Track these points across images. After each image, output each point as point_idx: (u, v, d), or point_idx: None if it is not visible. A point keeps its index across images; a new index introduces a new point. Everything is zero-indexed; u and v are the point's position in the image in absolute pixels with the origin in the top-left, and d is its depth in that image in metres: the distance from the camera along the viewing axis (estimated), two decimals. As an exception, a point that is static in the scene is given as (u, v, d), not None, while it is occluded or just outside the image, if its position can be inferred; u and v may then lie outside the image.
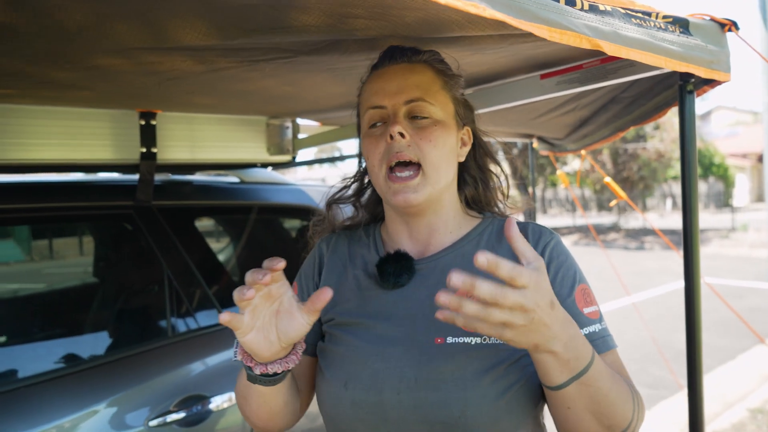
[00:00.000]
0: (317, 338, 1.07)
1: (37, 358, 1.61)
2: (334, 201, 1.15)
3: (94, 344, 1.77)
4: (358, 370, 0.93)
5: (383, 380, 0.90)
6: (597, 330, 0.92)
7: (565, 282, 0.94)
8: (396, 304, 0.97)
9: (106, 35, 0.83)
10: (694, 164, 1.19)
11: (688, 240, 1.22)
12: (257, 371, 0.86)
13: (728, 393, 4.51)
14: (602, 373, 0.80)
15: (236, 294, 0.77)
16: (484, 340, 0.89)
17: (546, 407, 0.93)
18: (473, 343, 0.89)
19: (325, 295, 0.81)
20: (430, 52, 1.00)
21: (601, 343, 0.91)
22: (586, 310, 0.93)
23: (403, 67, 0.97)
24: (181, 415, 1.63)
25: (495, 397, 0.85)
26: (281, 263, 0.78)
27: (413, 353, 0.90)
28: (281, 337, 0.83)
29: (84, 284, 2.14)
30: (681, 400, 4.16)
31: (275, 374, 0.87)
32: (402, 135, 0.93)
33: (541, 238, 0.97)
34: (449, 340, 0.90)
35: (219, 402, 1.72)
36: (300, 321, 0.83)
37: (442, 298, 0.66)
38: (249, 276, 0.78)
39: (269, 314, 0.83)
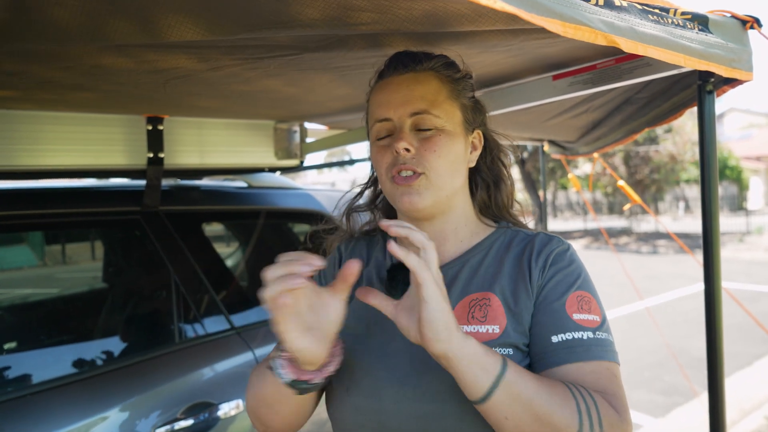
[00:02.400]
0: None
1: (45, 364, 1.60)
2: (353, 210, 1.15)
3: (101, 350, 1.76)
4: (360, 376, 0.94)
5: (383, 388, 0.91)
6: (584, 338, 0.87)
7: (558, 287, 0.91)
8: None
9: (105, 34, 0.82)
10: (714, 166, 1.15)
11: (708, 243, 1.18)
12: (317, 380, 0.84)
13: (745, 400, 4.42)
14: (521, 372, 0.80)
15: (270, 290, 0.72)
16: None
17: None
18: None
19: (353, 268, 0.79)
20: (437, 58, 0.99)
21: (582, 351, 0.86)
22: (577, 316, 0.89)
23: (409, 77, 0.96)
24: (189, 422, 1.61)
25: None
26: (318, 261, 0.75)
27: (414, 363, 0.91)
28: (326, 327, 0.81)
29: (91, 290, 2.13)
30: (696, 407, 4.08)
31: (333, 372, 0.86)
32: (407, 150, 0.93)
33: (546, 246, 0.96)
34: None
35: (227, 409, 1.69)
36: (335, 303, 0.81)
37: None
38: (282, 269, 0.73)
39: (307, 313, 0.79)
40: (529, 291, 0.92)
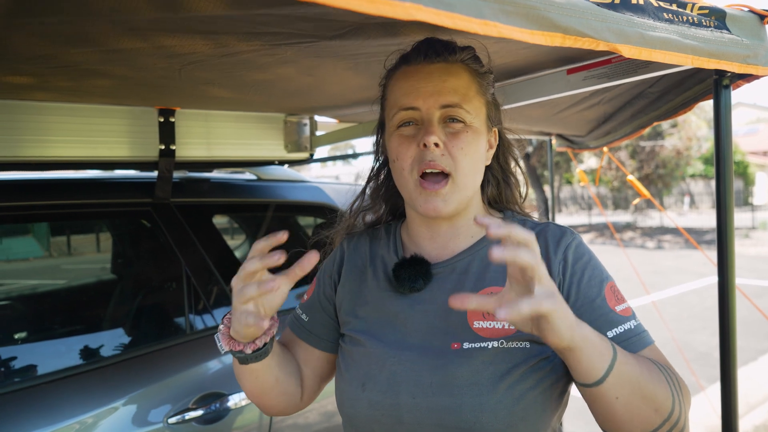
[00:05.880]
0: (333, 335, 1.08)
1: (58, 354, 1.62)
2: (361, 210, 1.13)
3: (113, 341, 1.78)
4: (375, 372, 0.93)
5: (400, 383, 0.90)
6: (633, 327, 0.90)
7: (593, 282, 0.91)
8: (413, 307, 0.97)
9: (125, 7, 0.82)
10: (730, 160, 1.15)
11: (723, 235, 1.19)
12: (249, 350, 0.88)
13: (750, 395, 4.43)
14: (626, 354, 0.81)
15: (259, 287, 0.79)
16: (501, 344, 0.88)
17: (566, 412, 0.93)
18: (490, 347, 0.88)
19: (312, 259, 0.80)
20: (467, 50, 0.96)
21: (637, 340, 0.89)
22: (618, 308, 0.91)
23: (440, 67, 0.93)
24: (200, 412, 1.63)
25: (511, 403, 0.85)
26: (284, 234, 0.80)
27: (429, 358, 0.91)
28: (266, 311, 0.86)
29: (103, 281, 2.15)
30: (703, 401, 4.09)
31: (264, 345, 0.89)
32: (437, 145, 0.90)
33: (561, 240, 0.95)
34: (466, 345, 0.89)
35: (237, 399, 1.71)
36: (283, 289, 0.85)
37: (496, 252, 0.67)
38: (258, 263, 0.79)
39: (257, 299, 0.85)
40: None
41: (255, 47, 1.08)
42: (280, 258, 0.78)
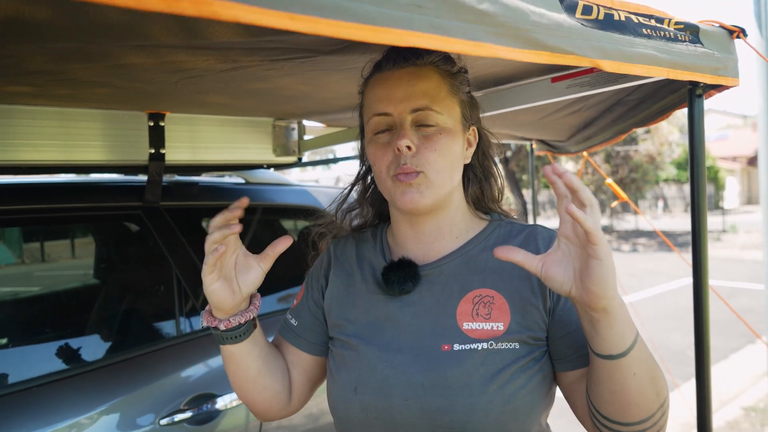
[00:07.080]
0: (322, 338, 1.09)
1: (49, 357, 1.62)
2: (348, 210, 1.15)
3: (105, 343, 1.78)
4: (367, 375, 0.94)
5: (392, 386, 0.91)
6: None
7: None
8: (403, 309, 0.98)
9: (140, 34, 0.84)
10: (703, 165, 1.22)
11: (697, 239, 1.25)
12: (222, 327, 0.95)
13: (722, 392, 4.57)
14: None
15: (214, 235, 0.87)
16: (491, 345, 0.90)
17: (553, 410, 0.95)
18: (480, 348, 0.90)
19: (284, 243, 0.92)
20: (436, 52, 0.96)
21: None
22: None
23: (409, 71, 0.95)
24: (192, 413, 1.65)
25: (502, 403, 0.87)
26: (245, 199, 0.88)
27: (421, 360, 0.92)
28: (242, 287, 0.94)
29: (93, 284, 2.14)
30: (677, 398, 4.21)
31: (239, 327, 0.96)
32: (409, 148, 0.92)
33: (551, 243, 0.96)
34: (456, 347, 0.91)
35: (228, 400, 1.73)
36: (257, 269, 0.95)
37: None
38: (220, 218, 0.87)
39: (230, 266, 0.93)
40: (535, 289, 0.93)
41: (256, 62, 1.10)
42: (238, 227, 0.87)
